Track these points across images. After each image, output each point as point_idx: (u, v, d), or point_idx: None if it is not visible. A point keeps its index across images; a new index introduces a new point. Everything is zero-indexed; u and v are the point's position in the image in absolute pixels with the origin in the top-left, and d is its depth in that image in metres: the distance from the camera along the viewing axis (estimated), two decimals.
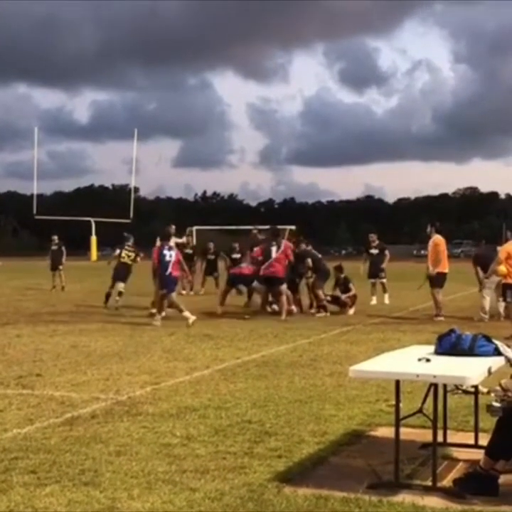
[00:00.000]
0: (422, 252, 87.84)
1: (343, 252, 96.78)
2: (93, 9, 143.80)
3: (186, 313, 15.07)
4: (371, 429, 6.83)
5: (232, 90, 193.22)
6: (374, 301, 20.92)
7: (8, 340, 12.98)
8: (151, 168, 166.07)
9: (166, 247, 16.00)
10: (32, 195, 52.58)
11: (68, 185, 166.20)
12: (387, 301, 21.03)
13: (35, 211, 50.98)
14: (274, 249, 16.99)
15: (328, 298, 18.27)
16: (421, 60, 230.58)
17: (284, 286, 16.85)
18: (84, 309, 19.14)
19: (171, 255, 15.90)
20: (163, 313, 15.71)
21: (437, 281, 16.46)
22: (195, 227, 58.97)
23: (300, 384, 8.93)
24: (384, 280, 21.67)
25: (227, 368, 10.04)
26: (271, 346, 12.05)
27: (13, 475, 5.50)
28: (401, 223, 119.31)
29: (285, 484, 5.24)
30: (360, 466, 5.70)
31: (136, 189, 66.33)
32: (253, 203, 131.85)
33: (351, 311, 18.03)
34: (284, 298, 16.78)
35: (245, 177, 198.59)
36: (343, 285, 18.51)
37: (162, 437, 6.53)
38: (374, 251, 22.04)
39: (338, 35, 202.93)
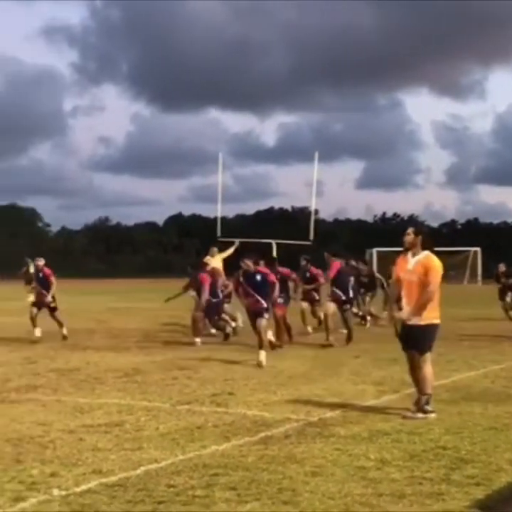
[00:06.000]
0: None
1: None
2: (284, 31, 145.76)
3: None
4: None
5: (422, 109, 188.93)
6: None
7: (201, 360, 13.42)
8: (334, 190, 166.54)
9: None
10: (215, 217, 54.28)
11: (250, 208, 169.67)
12: None
13: (219, 233, 52.41)
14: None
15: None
16: None
17: None
18: None
19: None
20: None
21: None
22: (375, 249, 58.76)
23: (494, 411, 8.69)
24: None
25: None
26: (461, 372, 11.79)
27: (214, 490, 5.70)
28: None
29: None
30: None
31: (316, 211, 66.92)
32: (434, 224, 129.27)
33: None
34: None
35: (430, 197, 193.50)
36: None
37: (356, 460, 6.56)
38: None
39: None
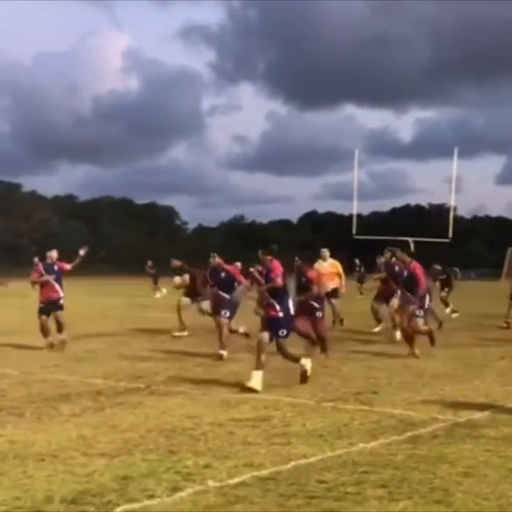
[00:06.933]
0: None
1: None
2: (423, 26, 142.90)
3: None
4: None
5: None
6: None
7: (341, 358, 13.44)
8: (473, 186, 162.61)
9: None
10: (349, 215, 54.12)
11: (385, 205, 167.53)
12: None
13: (354, 231, 52.09)
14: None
15: None
16: None
17: None
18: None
19: None
20: None
21: None
22: None
23: None
24: None
25: None
26: None
27: (366, 488, 5.73)
28: None
29: None
30: None
31: (455, 208, 65.53)
32: None
33: None
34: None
35: None
36: None
37: (509, 462, 6.45)
38: None
39: None
